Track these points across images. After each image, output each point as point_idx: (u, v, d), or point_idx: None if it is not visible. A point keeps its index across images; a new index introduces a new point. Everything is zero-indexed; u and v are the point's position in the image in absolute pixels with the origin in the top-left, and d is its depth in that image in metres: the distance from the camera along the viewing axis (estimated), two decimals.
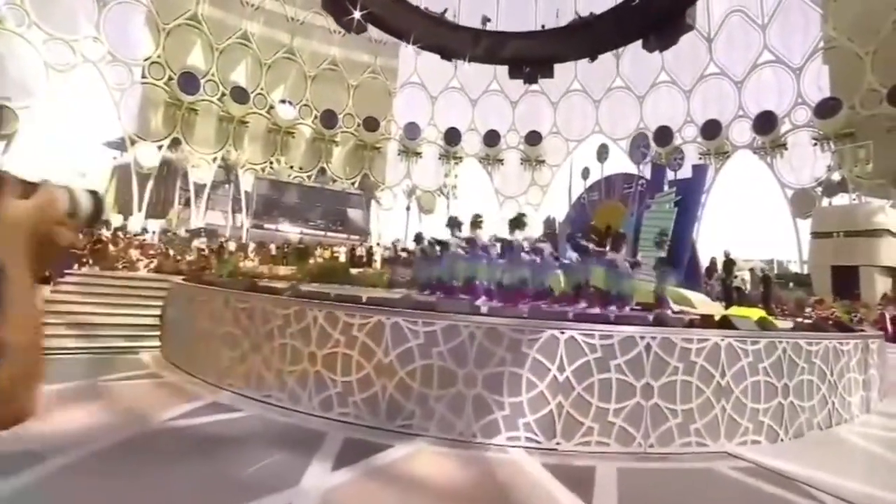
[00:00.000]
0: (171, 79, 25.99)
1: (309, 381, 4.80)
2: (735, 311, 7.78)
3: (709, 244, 16.92)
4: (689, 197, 9.67)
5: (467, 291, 7.30)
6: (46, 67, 22.88)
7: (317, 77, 30.34)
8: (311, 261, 16.27)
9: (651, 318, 5.25)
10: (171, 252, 14.82)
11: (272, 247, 19.11)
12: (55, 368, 6.27)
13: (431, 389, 4.40)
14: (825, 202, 23.69)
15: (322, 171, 30.67)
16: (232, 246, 18.33)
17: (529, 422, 4.26)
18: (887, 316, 13.17)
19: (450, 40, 16.87)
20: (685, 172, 11.27)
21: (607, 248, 7.33)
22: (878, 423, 5.54)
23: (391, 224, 30.12)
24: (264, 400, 5.01)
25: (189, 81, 26.20)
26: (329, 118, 30.07)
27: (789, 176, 25.84)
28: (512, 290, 7.17)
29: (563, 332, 4.38)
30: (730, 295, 11.51)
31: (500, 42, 17.31)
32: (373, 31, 20.31)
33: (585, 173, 11.38)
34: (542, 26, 18.50)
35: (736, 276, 12.29)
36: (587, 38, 16.23)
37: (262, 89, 28.82)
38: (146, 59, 25.85)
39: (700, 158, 26.79)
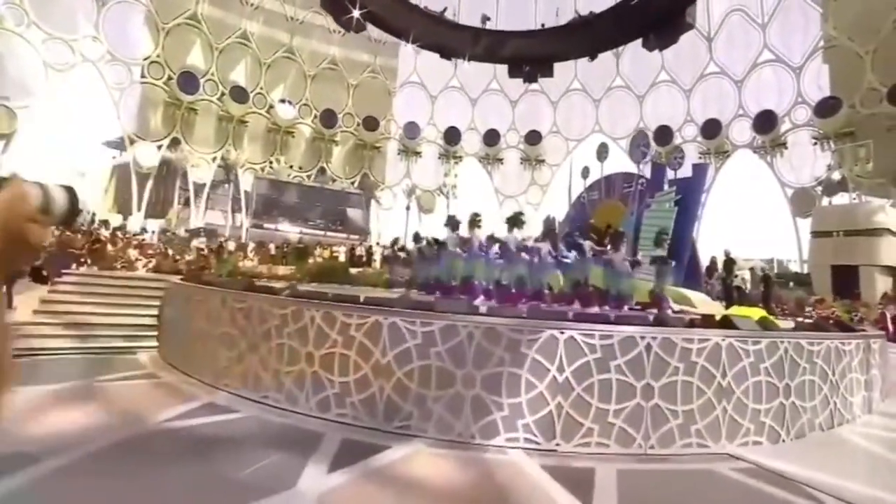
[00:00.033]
0: (170, 78, 25.97)
1: (306, 382, 4.76)
2: (736, 310, 7.73)
3: (709, 243, 16.90)
4: (689, 196, 9.66)
5: (465, 291, 7.26)
6: (45, 67, 22.86)
7: (316, 76, 30.32)
8: (311, 260, 16.23)
9: (652, 317, 5.22)
10: (170, 252, 14.79)
11: (272, 246, 19.08)
12: (51, 368, 6.25)
13: (429, 390, 4.37)
14: (825, 201, 23.68)
15: (322, 170, 30.66)
16: (231, 246, 18.31)
17: (528, 423, 4.22)
18: (888, 315, 13.13)
19: (449, 39, 16.84)
20: (685, 171, 11.24)
21: (607, 247, 7.30)
22: (881, 424, 5.51)
23: (391, 224, 30.09)
24: (261, 400, 4.98)
25: (188, 81, 26.20)
26: (329, 117, 30.06)
27: (789, 175, 25.84)
28: (509, 290, 7.13)
29: (562, 332, 4.34)
30: (730, 294, 11.47)
31: (500, 41, 17.28)
32: (372, 31, 20.32)
33: (585, 172, 11.36)
34: (542, 25, 18.45)
35: (736, 276, 12.25)
36: (587, 37, 16.19)
37: (261, 89, 28.80)
38: (145, 59, 25.84)
39: (700, 157, 26.80)
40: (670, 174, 10.71)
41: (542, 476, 3.65)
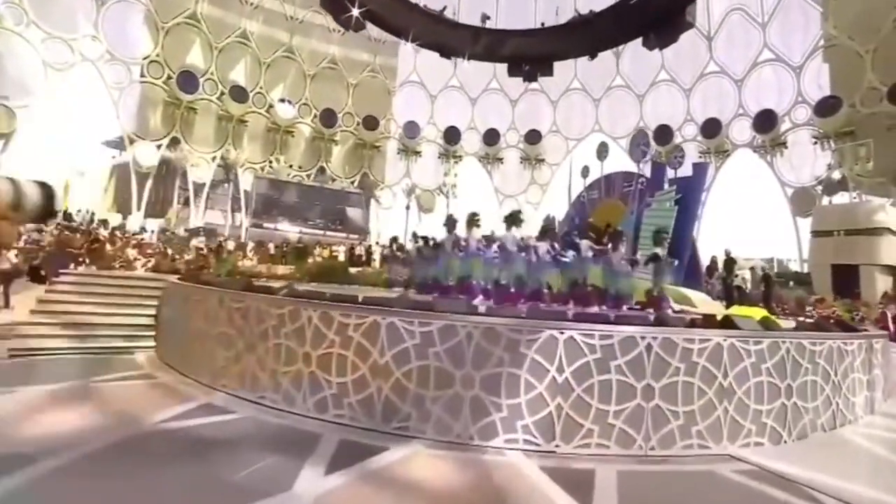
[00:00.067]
0: (170, 78, 25.96)
1: (303, 382, 4.72)
2: (736, 310, 7.71)
3: (709, 243, 16.87)
4: (689, 195, 9.64)
5: (464, 291, 7.22)
6: (45, 66, 22.85)
7: (316, 76, 30.29)
8: (310, 260, 16.21)
9: (652, 317, 5.18)
10: (170, 251, 14.76)
11: (271, 246, 19.07)
12: (48, 369, 6.22)
13: (428, 391, 4.33)
14: (825, 201, 23.68)
15: (321, 170, 30.65)
16: (231, 245, 18.29)
17: (528, 424, 4.18)
18: (888, 315, 13.08)
19: (449, 38, 16.79)
20: (685, 171, 11.23)
21: (607, 246, 7.26)
22: (883, 425, 5.47)
23: (391, 223, 30.07)
24: (258, 401, 4.94)
25: (188, 80, 26.19)
26: (328, 117, 30.04)
27: (789, 174, 25.82)
28: (507, 289, 7.09)
29: (562, 333, 4.30)
30: (730, 294, 11.43)
31: (500, 40, 17.23)
32: (372, 30, 20.28)
33: (585, 172, 11.34)
34: (542, 24, 18.39)
35: (736, 275, 12.21)
36: (587, 36, 16.14)
37: (261, 88, 28.79)
38: (145, 58, 25.83)
39: (700, 157, 26.81)
40: (670, 173, 10.71)
41: (542, 478, 3.62)
